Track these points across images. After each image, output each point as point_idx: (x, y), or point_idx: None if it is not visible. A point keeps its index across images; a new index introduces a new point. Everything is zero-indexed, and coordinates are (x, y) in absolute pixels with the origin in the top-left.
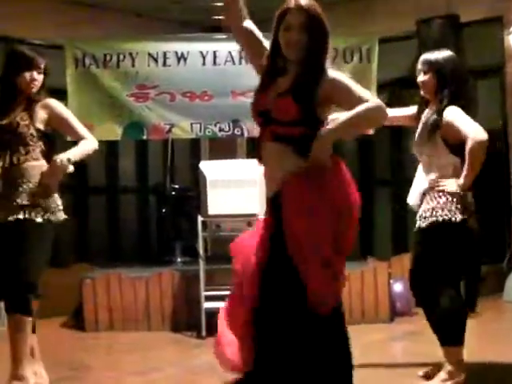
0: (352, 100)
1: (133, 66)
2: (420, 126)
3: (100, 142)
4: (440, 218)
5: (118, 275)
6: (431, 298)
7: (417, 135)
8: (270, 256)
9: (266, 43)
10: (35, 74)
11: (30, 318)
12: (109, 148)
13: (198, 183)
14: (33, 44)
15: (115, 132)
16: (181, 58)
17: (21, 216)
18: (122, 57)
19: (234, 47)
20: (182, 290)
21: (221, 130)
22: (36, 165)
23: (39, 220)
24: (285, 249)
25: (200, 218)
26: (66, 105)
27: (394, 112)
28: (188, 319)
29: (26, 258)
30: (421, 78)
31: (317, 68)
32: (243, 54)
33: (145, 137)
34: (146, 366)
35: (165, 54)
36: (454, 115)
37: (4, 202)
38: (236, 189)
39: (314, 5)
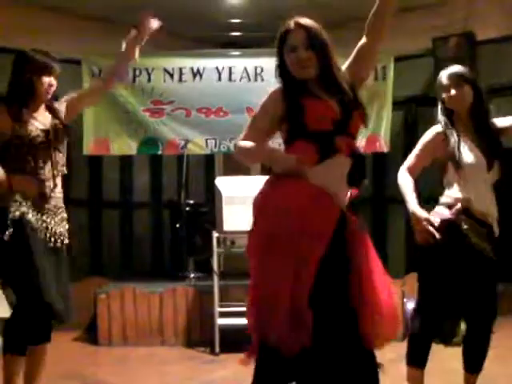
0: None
1: (149, 81)
2: (474, 145)
3: (115, 157)
4: None
5: (132, 290)
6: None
7: (476, 156)
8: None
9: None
10: (53, 79)
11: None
12: (124, 163)
13: (212, 199)
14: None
15: (130, 147)
16: (196, 73)
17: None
18: (137, 72)
19: (249, 63)
20: (195, 305)
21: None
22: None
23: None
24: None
25: (215, 234)
26: (81, 120)
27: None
28: (202, 335)
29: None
30: (453, 91)
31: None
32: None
33: (160, 152)
34: (159, 382)
35: (180, 69)
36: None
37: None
38: (251, 205)
39: (312, 21)
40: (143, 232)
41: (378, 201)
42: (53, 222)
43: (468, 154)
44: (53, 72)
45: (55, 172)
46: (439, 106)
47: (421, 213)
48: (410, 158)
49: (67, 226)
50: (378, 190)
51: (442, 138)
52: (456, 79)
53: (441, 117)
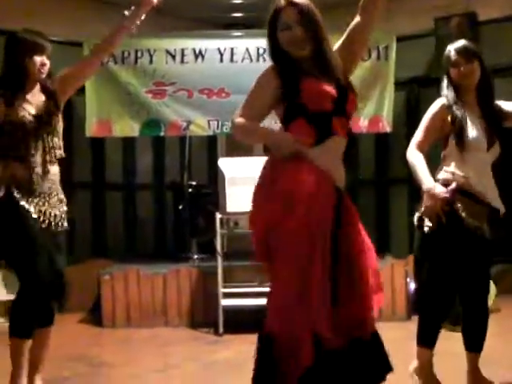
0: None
1: (150, 62)
2: (475, 124)
3: (118, 138)
4: None
5: (136, 271)
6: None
7: (478, 134)
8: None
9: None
10: (45, 58)
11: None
12: (126, 145)
13: (215, 180)
14: (50, 40)
15: (133, 129)
16: (198, 55)
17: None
18: (139, 54)
19: (251, 44)
20: (199, 286)
21: None
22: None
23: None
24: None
25: (218, 216)
26: (84, 101)
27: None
28: (205, 316)
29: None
30: (465, 67)
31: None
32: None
33: (162, 133)
34: (163, 363)
35: (182, 50)
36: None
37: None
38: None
39: None
40: (146, 214)
41: (381, 182)
42: (46, 204)
43: (471, 130)
44: (44, 51)
45: (47, 157)
46: (445, 81)
47: (439, 190)
48: (418, 134)
49: (65, 208)
50: (381, 170)
51: (448, 111)
52: (466, 54)
53: (447, 91)
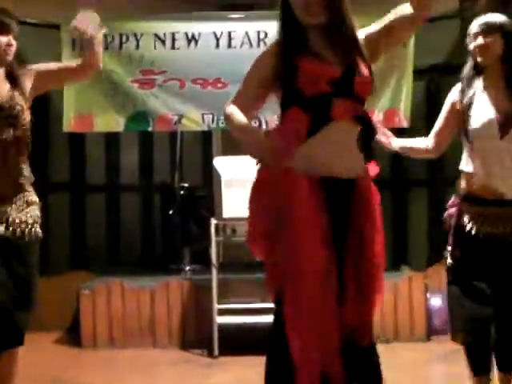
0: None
1: (137, 48)
2: (485, 107)
3: (100, 134)
4: None
5: (119, 284)
6: None
7: (485, 121)
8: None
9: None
10: (11, 38)
11: None
12: (109, 141)
13: (210, 182)
14: (24, 22)
15: (117, 123)
16: (191, 39)
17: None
18: (124, 38)
19: (251, 28)
20: (191, 302)
21: None
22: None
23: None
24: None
25: (213, 221)
26: (61, 92)
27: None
28: (198, 335)
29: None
30: (480, 40)
31: (351, 30)
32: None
33: (150, 129)
34: None
35: (173, 35)
36: None
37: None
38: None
39: None
40: (132, 219)
41: (398, 184)
42: (9, 208)
43: (477, 117)
44: (10, 30)
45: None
46: (468, 62)
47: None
48: (437, 123)
49: (36, 213)
50: (398, 171)
51: (460, 96)
52: (486, 27)
53: (464, 72)
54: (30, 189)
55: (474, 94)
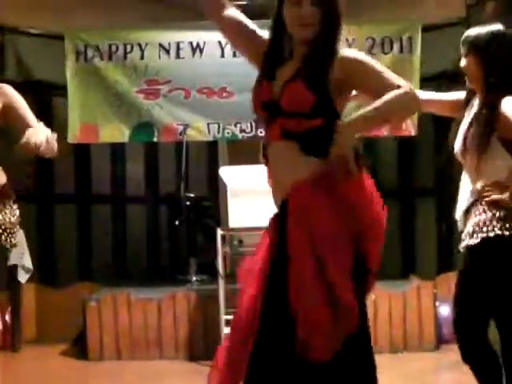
0: (379, 85)
1: (142, 58)
2: (466, 122)
3: (105, 144)
4: (491, 234)
5: (126, 296)
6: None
7: (462, 134)
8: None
9: (260, 31)
10: None
11: None
12: (115, 152)
13: (216, 192)
14: (29, 33)
15: (122, 134)
16: (196, 48)
17: None
18: (129, 48)
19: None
20: (198, 312)
21: (242, 130)
22: None
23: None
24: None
25: (219, 232)
26: (66, 103)
27: (434, 96)
28: (206, 347)
29: None
30: (462, 62)
31: (331, 47)
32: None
33: (155, 139)
34: None
35: (178, 44)
36: (507, 103)
37: None
38: (260, 198)
39: None
40: (138, 230)
41: (405, 193)
42: None
43: (458, 136)
44: None
45: None
46: None
47: None
48: (441, 95)
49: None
50: (405, 180)
51: (461, 106)
52: (463, 47)
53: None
54: None
55: (463, 115)
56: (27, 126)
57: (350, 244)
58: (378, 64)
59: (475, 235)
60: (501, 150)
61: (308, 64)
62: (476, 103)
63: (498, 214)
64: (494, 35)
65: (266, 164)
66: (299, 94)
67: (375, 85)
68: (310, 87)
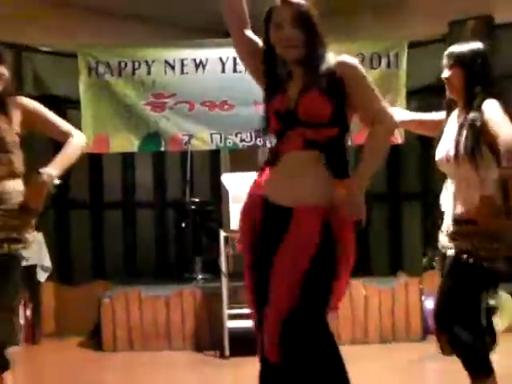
0: (368, 106)
1: (149, 74)
2: (453, 132)
3: (116, 154)
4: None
5: (137, 293)
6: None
7: (445, 148)
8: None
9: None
10: (3, 68)
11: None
12: (125, 161)
13: (219, 197)
14: (44, 52)
15: (132, 144)
16: (199, 65)
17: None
18: (137, 64)
19: None
20: (203, 308)
21: (242, 140)
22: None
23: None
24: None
25: (222, 234)
26: (78, 115)
27: (415, 116)
28: (210, 338)
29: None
30: (445, 74)
31: (320, 61)
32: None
33: (163, 148)
34: None
35: (182, 61)
36: (488, 106)
37: None
38: None
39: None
40: (147, 232)
41: (393, 196)
42: None
43: (439, 148)
44: (2, 60)
45: None
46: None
47: None
48: (422, 115)
49: (13, 235)
50: (393, 184)
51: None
52: (447, 60)
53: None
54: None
55: (445, 124)
56: (57, 130)
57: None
58: (368, 77)
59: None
60: (491, 157)
61: (313, 76)
62: (455, 114)
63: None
64: (477, 52)
65: (268, 168)
66: (318, 104)
67: (364, 104)
68: (329, 96)
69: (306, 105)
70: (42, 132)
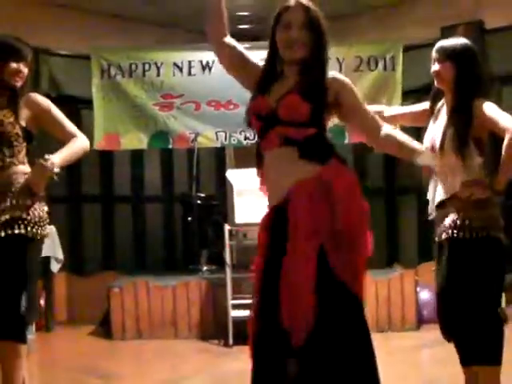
0: (365, 122)
1: (158, 75)
2: (439, 125)
3: (126, 151)
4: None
5: (145, 283)
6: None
7: (432, 137)
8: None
9: (254, 57)
10: (22, 65)
11: (26, 345)
12: (134, 157)
13: (223, 192)
14: (60, 54)
15: (141, 141)
16: (205, 66)
17: (16, 231)
18: (147, 66)
19: (259, 56)
20: (208, 298)
21: (246, 138)
22: (24, 170)
23: (29, 235)
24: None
25: (227, 227)
26: (91, 114)
27: (401, 110)
28: (215, 327)
29: (21, 282)
30: (435, 67)
31: (321, 66)
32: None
33: (170, 146)
34: (173, 375)
35: (190, 63)
36: (488, 107)
37: None
38: (263, 197)
39: (313, 4)
40: (155, 226)
41: (390, 191)
42: None
43: (426, 137)
44: (21, 57)
45: None
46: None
47: None
48: (406, 108)
49: (20, 214)
50: (390, 180)
51: (428, 113)
52: (439, 53)
53: (431, 93)
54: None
55: (430, 117)
56: (63, 131)
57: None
58: (359, 95)
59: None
60: (474, 151)
61: (303, 79)
62: (443, 108)
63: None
64: (467, 47)
65: (260, 172)
66: (296, 104)
67: (361, 120)
68: (306, 99)
69: (287, 105)
70: (49, 131)
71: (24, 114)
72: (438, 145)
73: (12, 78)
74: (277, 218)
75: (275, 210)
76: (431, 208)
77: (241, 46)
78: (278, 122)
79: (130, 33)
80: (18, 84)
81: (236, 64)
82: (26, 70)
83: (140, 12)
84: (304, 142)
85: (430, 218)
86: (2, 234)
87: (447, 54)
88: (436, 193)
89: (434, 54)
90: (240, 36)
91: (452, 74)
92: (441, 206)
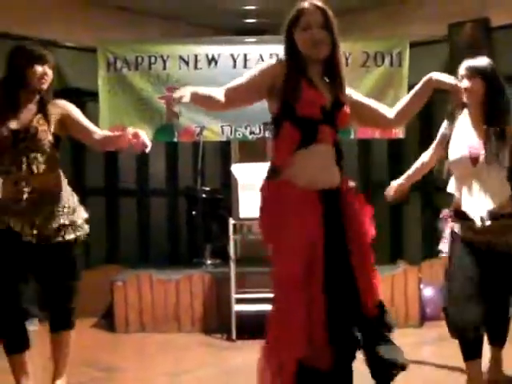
0: (374, 105)
1: (164, 68)
2: (467, 135)
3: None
4: None
5: (148, 276)
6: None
7: (466, 149)
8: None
9: (251, 78)
10: (46, 68)
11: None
12: None
13: (228, 186)
14: (66, 47)
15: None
16: (212, 60)
17: (67, 237)
18: (153, 60)
19: (264, 50)
20: (212, 292)
21: (251, 132)
22: (58, 176)
23: (78, 239)
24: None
25: (231, 221)
26: (97, 106)
27: (412, 170)
28: (218, 321)
29: (74, 280)
30: (465, 83)
31: (341, 67)
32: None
33: (175, 139)
34: (176, 368)
35: (196, 56)
36: None
37: (30, 217)
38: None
39: (327, 5)
40: (159, 219)
41: None
42: (37, 220)
43: (455, 149)
44: (46, 61)
45: (28, 171)
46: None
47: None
48: (429, 149)
49: (63, 222)
50: (394, 176)
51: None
52: (469, 71)
53: (448, 107)
54: (60, 198)
55: (453, 129)
56: (87, 130)
57: None
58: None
59: None
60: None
61: (338, 85)
62: (464, 117)
63: None
64: (494, 67)
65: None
66: (348, 119)
67: (371, 106)
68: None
69: (345, 118)
70: (73, 135)
71: (54, 119)
72: (482, 157)
73: (38, 81)
74: (327, 202)
75: (323, 194)
76: (476, 213)
77: (235, 82)
78: (332, 123)
79: (135, 26)
80: (44, 86)
81: (248, 96)
82: (50, 73)
83: (146, 5)
84: (340, 150)
85: (479, 225)
86: (58, 239)
87: (477, 72)
88: (473, 198)
89: (462, 71)
90: (246, 31)
91: (482, 91)
92: (493, 216)
